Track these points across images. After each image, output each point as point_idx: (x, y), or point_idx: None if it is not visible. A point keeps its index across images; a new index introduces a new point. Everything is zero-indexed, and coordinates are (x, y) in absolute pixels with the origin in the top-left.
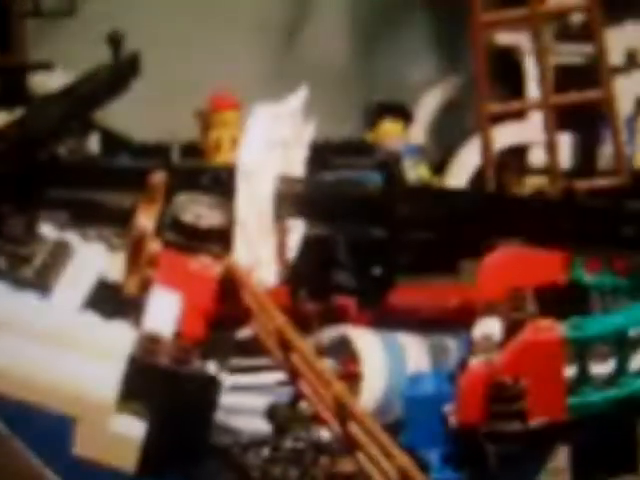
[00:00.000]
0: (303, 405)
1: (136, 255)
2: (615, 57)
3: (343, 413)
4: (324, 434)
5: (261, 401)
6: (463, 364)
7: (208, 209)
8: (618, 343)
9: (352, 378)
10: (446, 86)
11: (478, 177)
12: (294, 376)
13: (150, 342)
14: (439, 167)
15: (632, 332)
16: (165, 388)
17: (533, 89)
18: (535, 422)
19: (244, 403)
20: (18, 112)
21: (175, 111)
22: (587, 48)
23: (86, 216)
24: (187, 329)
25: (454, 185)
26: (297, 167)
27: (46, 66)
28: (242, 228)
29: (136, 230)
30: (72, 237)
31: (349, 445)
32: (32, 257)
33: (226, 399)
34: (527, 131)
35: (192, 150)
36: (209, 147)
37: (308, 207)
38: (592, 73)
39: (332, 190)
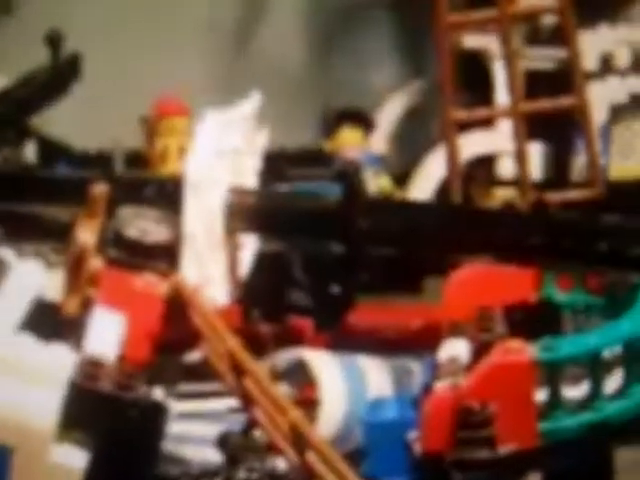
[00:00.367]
0: (257, 433)
1: (76, 273)
2: (589, 62)
3: (300, 442)
4: (279, 464)
5: (212, 429)
6: (428, 388)
7: (154, 223)
8: (592, 364)
9: (309, 404)
10: (409, 91)
11: (443, 189)
12: (247, 402)
13: (92, 366)
14: (402, 178)
15: (606, 353)
16: (108, 415)
17: (502, 95)
18: (505, 449)
19: (193, 431)
20: None
21: (118, 117)
22: (559, 52)
23: (22, 230)
24: (131, 352)
25: (418, 197)
26: (249, 178)
27: None
28: (190, 244)
29: (76, 246)
30: (7, 253)
31: (306, 476)
32: None
33: (174, 427)
34: (495, 140)
35: (137, 159)
36: (155, 156)
37: (261, 221)
38: (564, 79)
39: (287, 202)
